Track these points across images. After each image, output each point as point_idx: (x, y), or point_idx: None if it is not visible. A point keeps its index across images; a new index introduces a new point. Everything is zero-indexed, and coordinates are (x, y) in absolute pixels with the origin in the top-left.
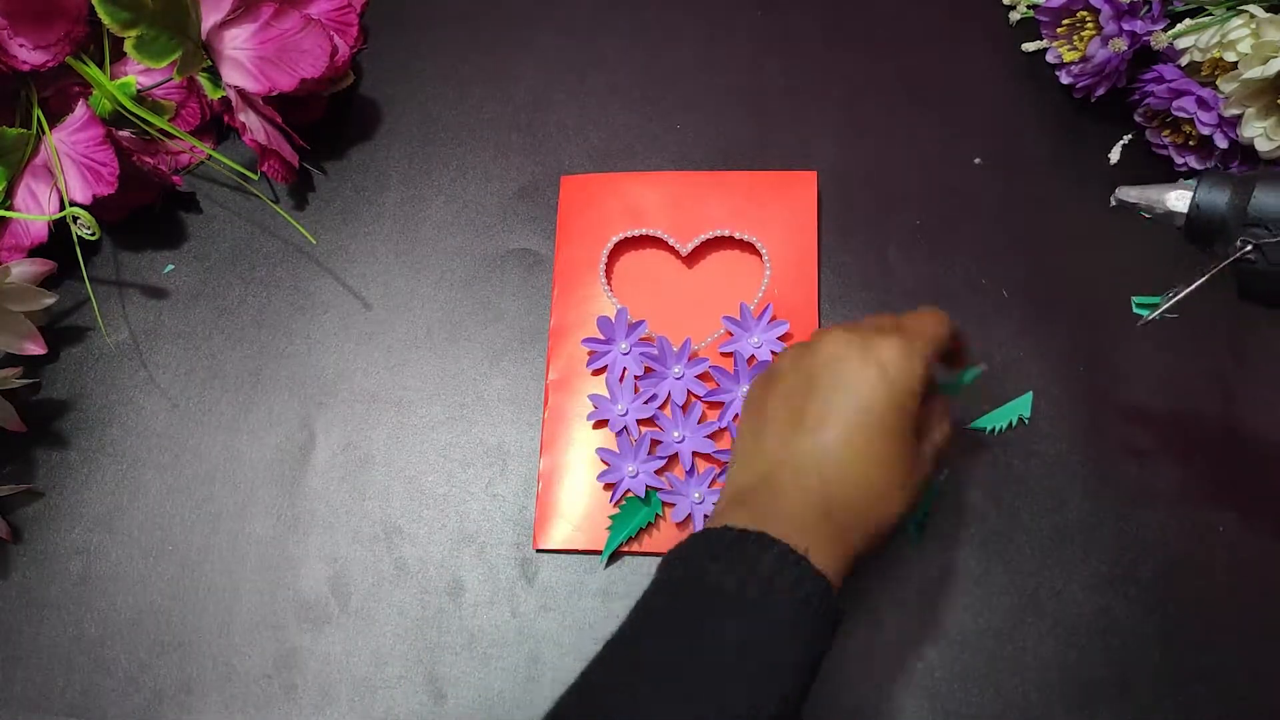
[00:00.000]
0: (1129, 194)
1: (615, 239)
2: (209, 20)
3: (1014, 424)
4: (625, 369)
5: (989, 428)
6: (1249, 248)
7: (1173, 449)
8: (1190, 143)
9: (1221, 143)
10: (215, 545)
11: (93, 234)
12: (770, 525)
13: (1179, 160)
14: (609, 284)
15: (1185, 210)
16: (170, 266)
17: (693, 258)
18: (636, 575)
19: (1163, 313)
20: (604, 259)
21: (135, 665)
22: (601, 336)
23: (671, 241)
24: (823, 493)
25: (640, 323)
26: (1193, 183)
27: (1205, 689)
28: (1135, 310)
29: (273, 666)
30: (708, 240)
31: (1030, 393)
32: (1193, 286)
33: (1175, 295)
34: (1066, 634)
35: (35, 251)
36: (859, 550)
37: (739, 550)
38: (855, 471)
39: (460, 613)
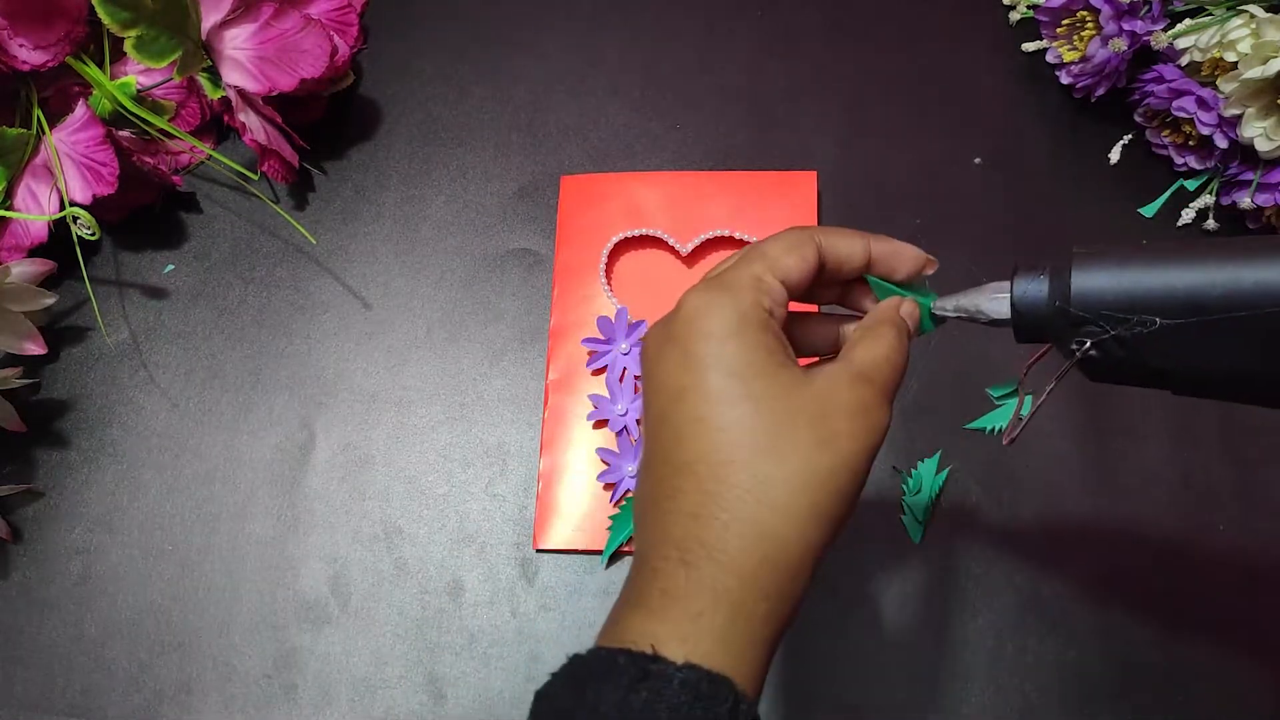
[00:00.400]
0: (945, 306)
1: (615, 239)
2: (209, 20)
3: None
4: (625, 369)
5: (989, 428)
6: (1088, 345)
7: (1172, 448)
8: (1190, 143)
9: (1221, 143)
10: (215, 545)
11: (93, 234)
12: (661, 629)
13: (1179, 160)
14: (609, 284)
15: (1008, 316)
16: (170, 266)
17: (693, 258)
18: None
19: (1020, 430)
20: (604, 259)
21: (135, 665)
22: (601, 336)
23: (671, 241)
24: (701, 537)
25: (640, 323)
26: (1005, 284)
27: (1205, 689)
28: (995, 401)
29: (273, 666)
30: (708, 240)
31: (1030, 394)
32: (1041, 401)
33: (1027, 418)
34: (1066, 634)
35: (35, 251)
36: (784, 586)
37: (628, 689)
38: (710, 473)
39: (460, 613)
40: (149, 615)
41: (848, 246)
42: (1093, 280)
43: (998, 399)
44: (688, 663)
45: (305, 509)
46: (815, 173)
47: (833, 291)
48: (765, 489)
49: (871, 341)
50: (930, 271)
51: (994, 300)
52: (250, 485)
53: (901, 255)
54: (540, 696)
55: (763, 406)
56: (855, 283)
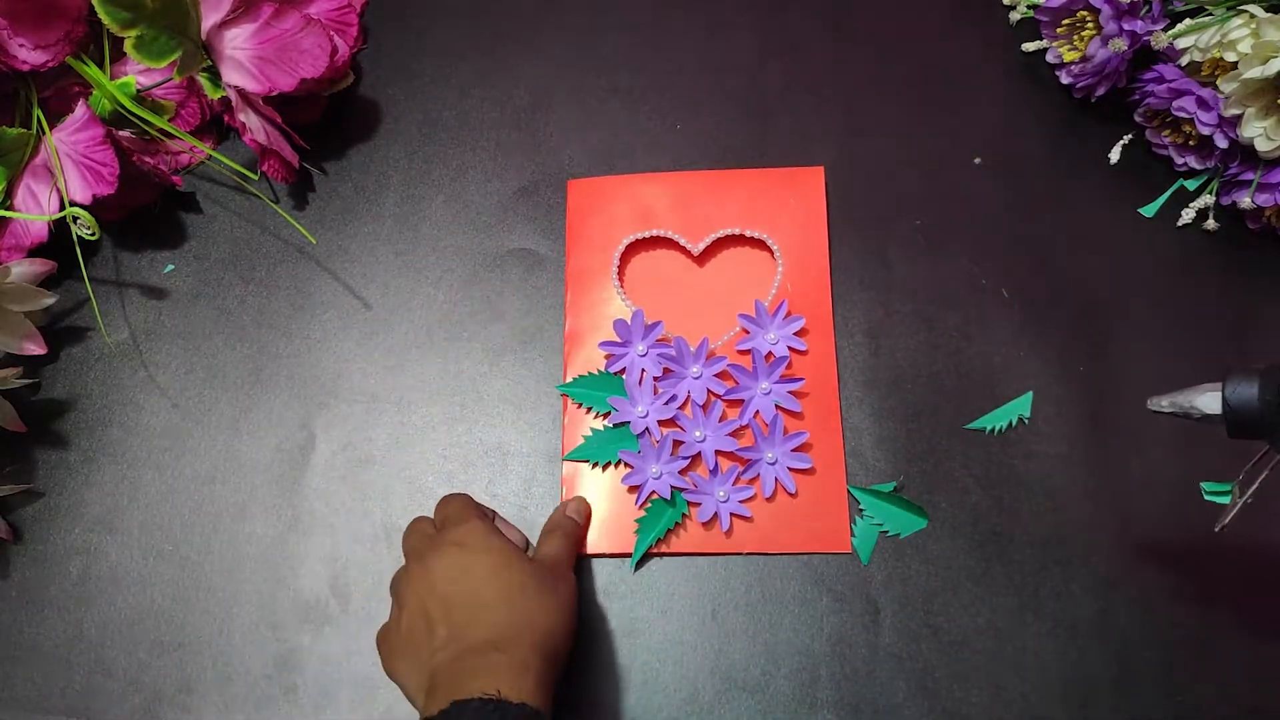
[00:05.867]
0: (1160, 403)
1: (626, 241)
2: (209, 20)
3: (1014, 424)
4: (644, 370)
5: (989, 428)
6: None
7: (1172, 449)
8: (1190, 142)
9: (1221, 143)
10: (215, 545)
11: (93, 234)
12: (507, 680)
13: (1179, 160)
14: (622, 286)
15: (1220, 412)
16: (170, 266)
17: (704, 257)
18: (634, 577)
19: (1233, 517)
20: (616, 261)
21: (135, 665)
22: (618, 339)
23: (683, 241)
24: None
25: (657, 324)
26: (1217, 383)
27: (1205, 689)
28: (1206, 497)
29: (273, 667)
30: (719, 239)
31: (1030, 393)
32: (1253, 488)
33: (1240, 500)
34: (1066, 634)
35: (35, 251)
36: (545, 664)
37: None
38: (500, 607)
39: None
40: (149, 615)
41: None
42: None
43: (1209, 494)
44: (520, 700)
45: (305, 509)
46: (822, 168)
47: None
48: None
49: (546, 542)
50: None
51: (1206, 397)
52: (250, 485)
53: None
54: None
55: (531, 583)
56: None
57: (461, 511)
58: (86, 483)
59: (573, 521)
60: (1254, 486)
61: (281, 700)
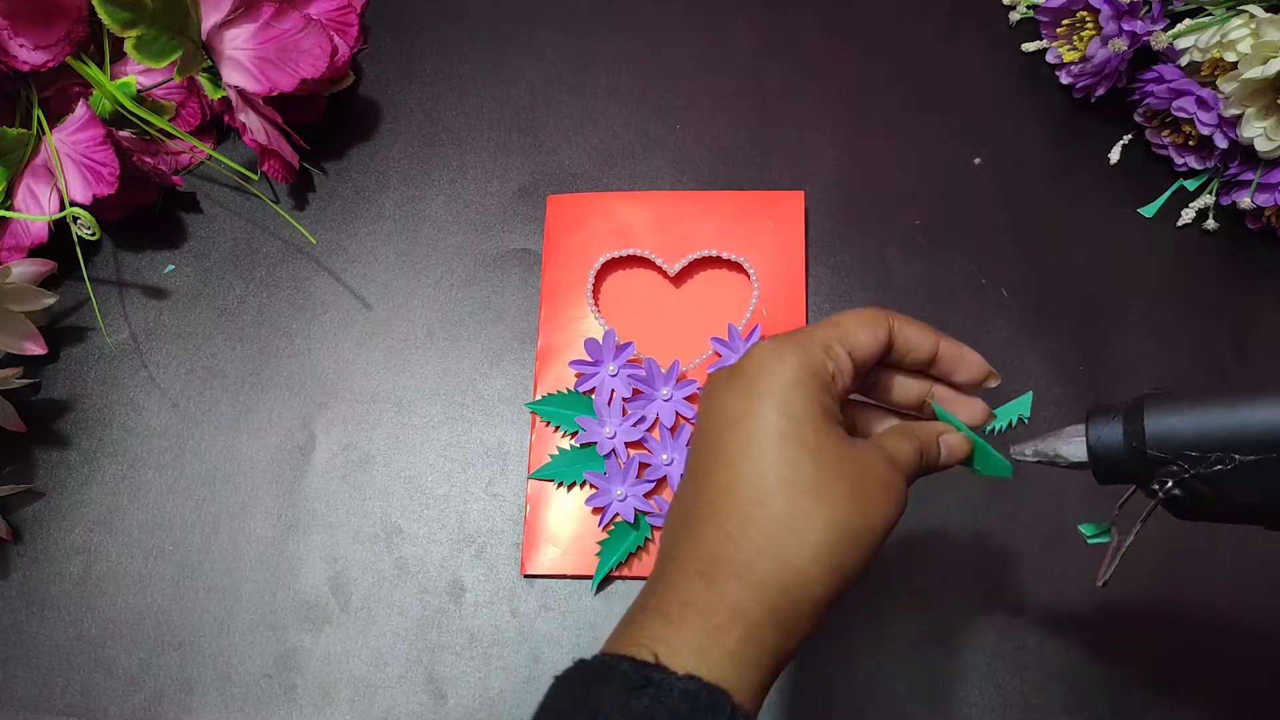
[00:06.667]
0: (1024, 452)
1: (602, 259)
2: (209, 20)
3: (1014, 424)
4: (613, 391)
5: (989, 428)
6: (1170, 485)
7: None
8: (1190, 143)
9: (1221, 143)
10: (215, 545)
11: (93, 234)
12: (674, 637)
13: (1179, 160)
14: (596, 305)
15: (1086, 459)
16: (170, 266)
17: (680, 278)
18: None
19: (1113, 570)
20: (591, 279)
21: (135, 665)
22: (589, 358)
23: (659, 261)
24: (732, 557)
25: (628, 344)
26: (1082, 427)
27: (1205, 690)
28: (1088, 541)
29: (273, 666)
30: (695, 260)
31: (1030, 393)
32: (1129, 540)
33: (1117, 554)
34: (1066, 634)
35: (35, 251)
36: (795, 621)
37: (629, 694)
38: (751, 498)
39: (460, 613)
40: (149, 615)
41: (918, 336)
42: (1167, 421)
43: (1090, 538)
44: (688, 673)
45: (305, 509)
46: (802, 192)
47: (884, 379)
48: (800, 524)
49: (903, 440)
50: (993, 384)
51: (1071, 444)
52: (250, 485)
53: (965, 360)
54: (545, 699)
55: (811, 452)
56: (896, 376)
57: (846, 320)
58: (86, 483)
59: (935, 449)
60: (1130, 538)
61: (281, 700)
